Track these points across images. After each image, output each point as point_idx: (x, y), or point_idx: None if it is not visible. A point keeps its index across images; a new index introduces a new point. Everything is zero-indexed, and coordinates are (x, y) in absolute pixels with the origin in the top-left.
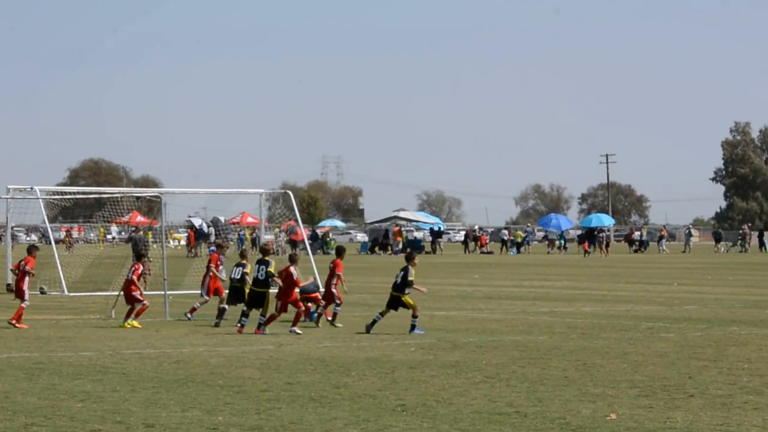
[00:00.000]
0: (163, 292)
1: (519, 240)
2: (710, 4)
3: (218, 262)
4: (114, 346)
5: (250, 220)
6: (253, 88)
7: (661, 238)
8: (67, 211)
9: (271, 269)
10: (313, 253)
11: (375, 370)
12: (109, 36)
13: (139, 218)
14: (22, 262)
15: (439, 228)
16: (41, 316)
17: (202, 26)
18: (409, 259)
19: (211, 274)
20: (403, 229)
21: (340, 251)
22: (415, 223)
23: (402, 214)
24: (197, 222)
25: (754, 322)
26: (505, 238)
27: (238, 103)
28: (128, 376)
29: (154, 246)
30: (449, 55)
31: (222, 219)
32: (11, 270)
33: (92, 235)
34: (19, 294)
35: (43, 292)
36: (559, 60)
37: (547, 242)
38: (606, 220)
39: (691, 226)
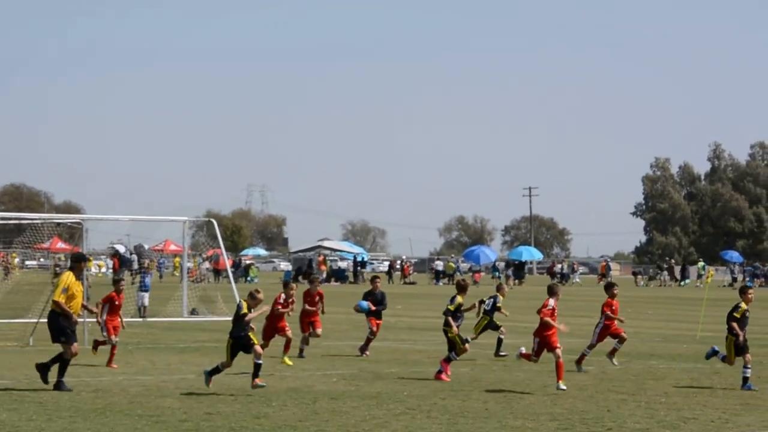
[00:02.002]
0: (83, 319)
1: (450, 271)
2: (632, 40)
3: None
4: (31, 375)
5: (173, 247)
6: (178, 114)
7: (573, 270)
8: None
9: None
10: (236, 281)
11: (296, 400)
12: (34, 57)
13: (60, 244)
14: None
15: (363, 258)
16: None
17: (125, 49)
18: (499, 289)
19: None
20: (327, 258)
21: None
22: (339, 253)
23: (326, 244)
24: (122, 248)
25: (672, 356)
26: (440, 269)
27: (163, 129)
28: (45, 405)
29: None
30: (373, 86)
31: (146, 246)
32: None
33: (16, 260)
34: None
35: None
36: (484, 92)
37: (472, 274)
38: (534, 254)
39: (609, 260)
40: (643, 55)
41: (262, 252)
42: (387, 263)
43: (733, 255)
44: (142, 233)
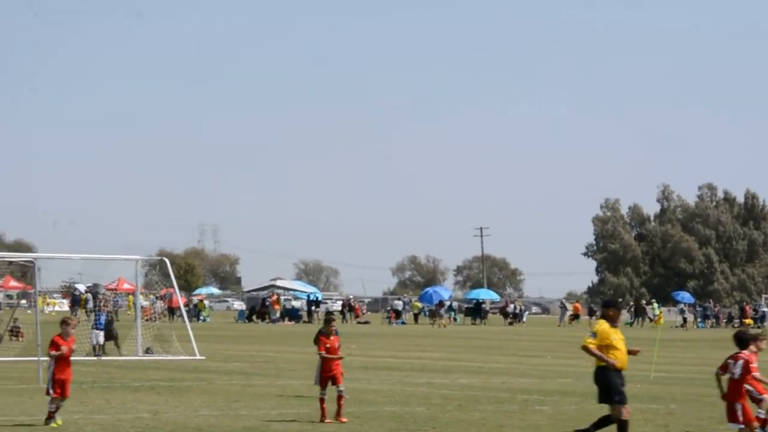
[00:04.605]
0: (36, 358)
1: (416, 311)
2: (583, 80)
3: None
4: None
5: (126, 286)
6: (130, 150)
7: (522, 311)
8: None
9: None
10: (189, 321)
11: None
12: None
13: (13, 283)
14: None
15: (317, 297)
16: None
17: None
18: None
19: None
20: (281, 297)
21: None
22: (292, 292)
23: (279, 283)
24: (82, 288)
25: (629, 396)
26: (399, 308)
27: (114, 165)
28: None
29: (28, 311)
30: (324, 126)
31: (102, 285)
32: None
33: None
34: None
35: None
36: (434, 131)
37: (427, 314)
38: (492, 295)
39: (564, 300)
40: (593, 96)
41: (215, 291)
42: (340, 302)
43: (685, 296)
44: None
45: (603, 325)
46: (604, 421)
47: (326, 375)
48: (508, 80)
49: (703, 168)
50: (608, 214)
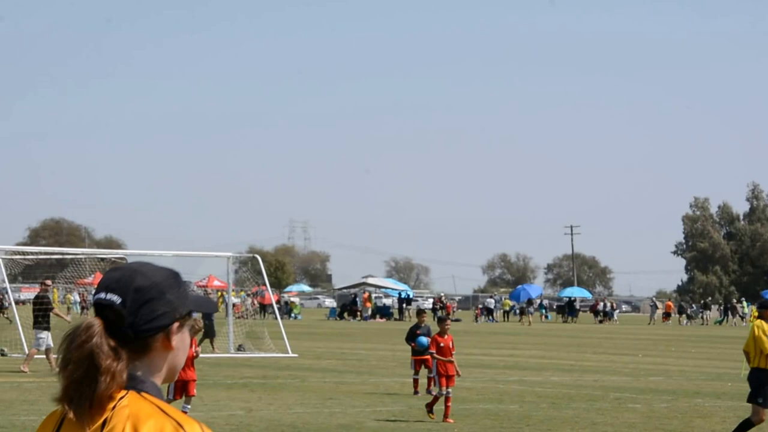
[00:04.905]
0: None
1: (507, 308)
2: (674, 81)
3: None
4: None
5: (216, 283)
6: (219, 150)
7: (613, 309)
8: (28, 271)
9: None
10: (281, 318)
11: None
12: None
13: None
14: None
15: (408, 295)
16: (2, 379)
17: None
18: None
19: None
20: (372, 295)
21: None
22: (384, 290)
23: (371, 280)
24: None
25: (717, 394)
26: (491, 306)
27: (204, 164)
28: None
29: None
30: (416, 123)
31: (192, 283)
32: None
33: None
34: None
35: (3, 354)
36: (525, 131)
37: (518, 313)
38: (585, 293)
39: (654, 299)
40: (684, 92)
41: (306, 288)
42: (431, 300)
43: None
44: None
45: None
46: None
47: (444, 374)
48: (596, 75)
49: None
50: (698, 213)
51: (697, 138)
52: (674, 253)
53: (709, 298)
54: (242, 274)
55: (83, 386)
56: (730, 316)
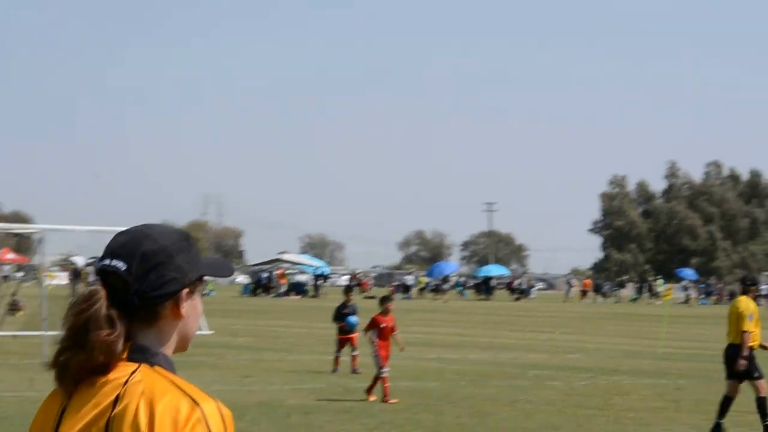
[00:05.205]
0: (41, 333)
1: (422, 285)
2: (589, 57)
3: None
4: None
5: None
6: (133, 123)
7: (530, 287)
8: None
9: None
10: None
11: (268, 415)
12: None
13: (10, 255)
14: None
15: (324, 272)
16: None
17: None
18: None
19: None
20: (286, 272)
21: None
22: (299, 266)
23: (286, 257)
24: (81, 261)
25: (635, 372)
26: (409, 283)
27: (118, 138)
28: (10, 420)
29: (25, 285)
30: (330, 97)
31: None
32: None
33: None
34: None
35: None
36: (445, 106)
37: (433, 290)
38: (503, 270)
39: (571, 276)
40: (601, 72)
41: None
42: (346, 277)
43: (688, 272)
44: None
45: (751, 304)
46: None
47: (385, 354)
48: (516, 58)
49: (710, 145)
50: (615, 190)
51: (616, 116)
52: (591, 230)
53: (625, 276)
54: None
55: (71, 356)
56: (646, 294)
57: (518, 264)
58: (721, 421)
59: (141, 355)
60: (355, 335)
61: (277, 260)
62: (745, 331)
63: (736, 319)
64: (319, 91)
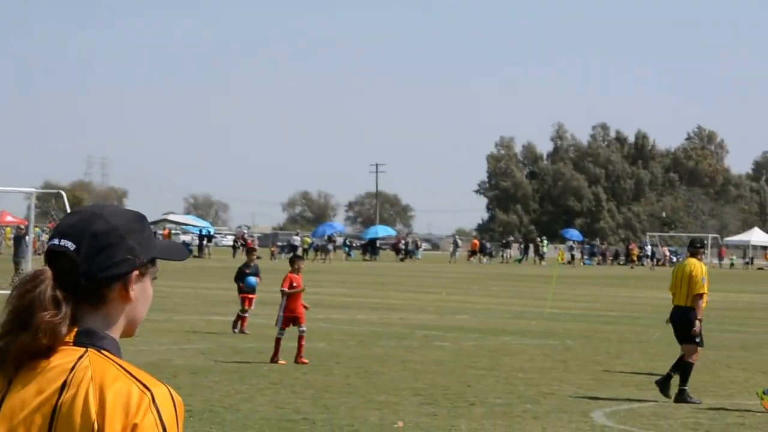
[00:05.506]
0: None
1: (306, 246)
2: (484, 16)
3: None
4: None
5: (9, 219)
6: (14, 80)
7: (417, 247)
8: None
9: None
10: None
11: (155, 375)
12: None
13: None
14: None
15: (209, 232)
16: None
17: None
18: None
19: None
20: (171, 232)
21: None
22: (184, 227)
23: (172, 217)
24: None
25: (523, 332)
26: (297, 244)
27: None
28: None
29: None
30: (215, 57)
31: None
32: None
33: None
34: None
35: None
36: (331, 67)
37: (317, 250)
38: (390, 231)
39: (457, 237)
40: (489, 33)
41: None
42: (231, 237)
43: (573, 233)
44: None
45: (703, 266)
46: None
47: (289, 315)
48: (399, 17)
49: (598, 108)
50: (502, 152)
51: (504, 78)
52: (477, 191)
53: (511, 237)
54: (42, 210)
55: (12, 339)
56: (531, 254)
57: (403, 224)
58: (685, 387)
59: (88, 339)
60: (254, 296)
61: (163, 221)
62: (700, 294)
63: (689, 281)
64: (203, 52)
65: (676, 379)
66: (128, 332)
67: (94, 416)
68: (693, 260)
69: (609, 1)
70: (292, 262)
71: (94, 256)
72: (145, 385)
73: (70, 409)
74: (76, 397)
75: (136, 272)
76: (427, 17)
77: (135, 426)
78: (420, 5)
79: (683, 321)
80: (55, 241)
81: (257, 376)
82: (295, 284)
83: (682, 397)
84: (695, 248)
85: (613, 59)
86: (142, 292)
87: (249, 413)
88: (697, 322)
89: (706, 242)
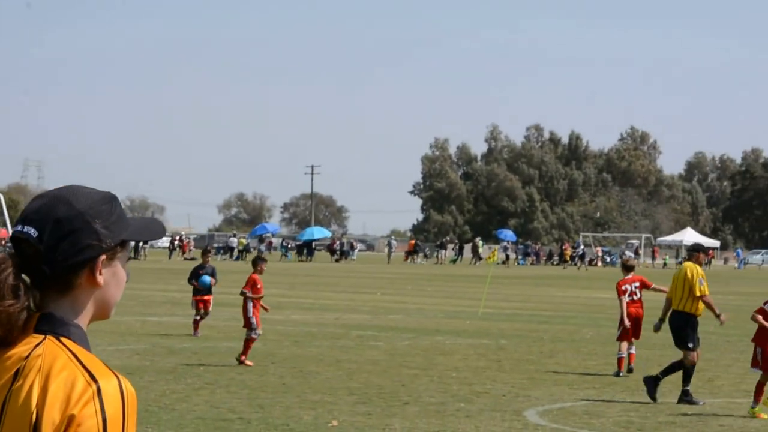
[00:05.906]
0: None
1: (241, 247)
2: (419, 20)
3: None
4: None
5: None
6: None
7: (352, 248)
8: None
9: None
10: None
11: None
12: None
13: None
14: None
15: None
16: None
17: None
18: None
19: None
20: None
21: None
22: None
23: None
24: None
25: (457, 332)
26: (234, 245)
27: None
28: None
29: None
30: (149, 60)
31: None
32: None
33: None
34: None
35: None
36: (266, 68)
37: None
38: (325, 233)
39: (393, 238)
40: (425, 36)
41: None
42: (167, 239)
43: (507, 233)
44: None
45: (700, 269)
46: (675, 367)
47: (258, 315)
48: (332, 17)
49: (532, 109)
50: (437, 153)
51: (437, 79)
52: (411, 192)
53: (446, 238)
54: None
55: None
56: (468, 255)
57: (338, 226)
58: (688, 388)
59: (48, 326)
60: (209, 297)
61: None
62: (704, 295)
63: (684, 285)
64: (137, 55)
65: (673, 383)
66: (102, 315)
67: (34, 406)
68: (689, 264)
69: (541, 1)
70: (255, 263)
71: (57, 243)
72: (92, 376)
73: (16, 399)
74: (23, 387)
75: (103, 257)
76: (361, 16)
77: (72, 417)
78: (350, 3)
79: (679, 325)
80: (19, 228)
81: (193, 376)
82: (259, 285)
83: (685, 399)
84: (690, 253)
85: (546, 60)
86: (112, 276)
87: (185, 413)
88: (722, 316)
89: (706, 248)
